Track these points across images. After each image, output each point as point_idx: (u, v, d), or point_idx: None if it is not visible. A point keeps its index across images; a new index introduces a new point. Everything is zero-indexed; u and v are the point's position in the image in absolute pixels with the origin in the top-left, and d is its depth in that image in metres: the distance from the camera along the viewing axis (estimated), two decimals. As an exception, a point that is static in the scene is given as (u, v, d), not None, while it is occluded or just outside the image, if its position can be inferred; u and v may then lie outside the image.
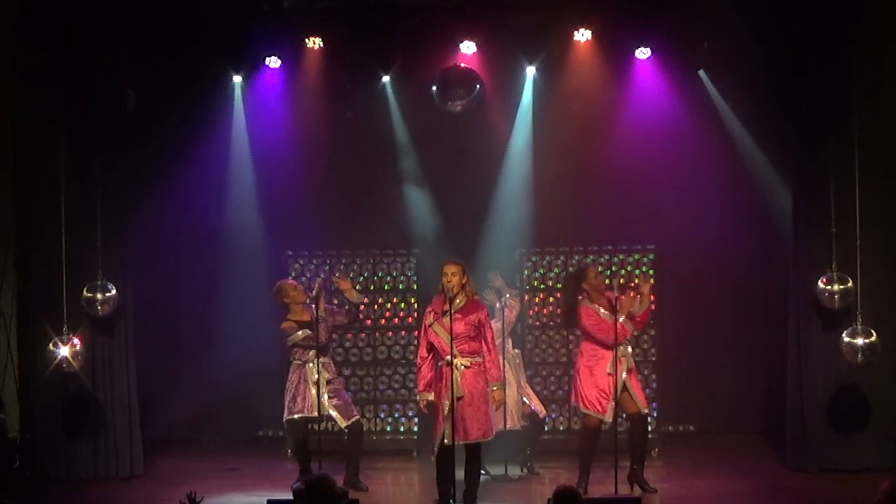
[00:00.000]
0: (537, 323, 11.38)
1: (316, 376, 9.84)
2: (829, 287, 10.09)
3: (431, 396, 9.15)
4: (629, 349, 9.70)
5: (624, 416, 10.05)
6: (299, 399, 9.97)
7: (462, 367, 9.02)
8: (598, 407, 9.68)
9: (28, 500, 9.88)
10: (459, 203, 11.86)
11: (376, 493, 10.04)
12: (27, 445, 10.45)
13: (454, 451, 9.03)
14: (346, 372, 11.39)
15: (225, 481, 10.59)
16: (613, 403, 9.63)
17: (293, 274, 11.54)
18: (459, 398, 8.96)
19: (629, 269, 11.40)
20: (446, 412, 8.98)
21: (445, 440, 8.99)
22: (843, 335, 10.01)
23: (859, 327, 9.97)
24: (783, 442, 10.62)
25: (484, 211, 11.85)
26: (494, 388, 9.22)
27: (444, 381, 9.06)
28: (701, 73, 11.37)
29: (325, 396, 9.89)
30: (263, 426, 12.17)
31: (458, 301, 9.02)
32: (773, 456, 10.98)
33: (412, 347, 11.56)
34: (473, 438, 9.02)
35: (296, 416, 9.98)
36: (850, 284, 10.05)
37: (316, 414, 9.85)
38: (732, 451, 11.28)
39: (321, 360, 9.86)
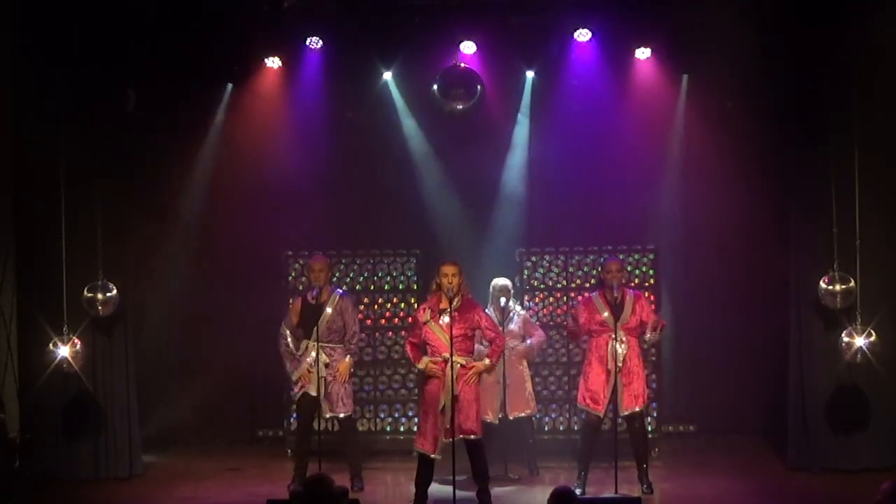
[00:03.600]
0: (537, 323, 11.35)
1: (312, 358, 9.84)
2: (830, 287, 10.10)
3: (427, 360, 9.23)
4: (624, 347, 9.69)
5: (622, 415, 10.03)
6: (299, 376, 10.03)
7: (458, 366, 9.04)
8: (592, 403, 9.74)
9: (28, 500, 9.89)
10: (459, 203, 11.86)
11: (376, 493, 10.04)
12: (27, 445, 10.45)
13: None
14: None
15: (225, 481, 10.59)
16: (607, 401, 9.68)
17: (293, 274, 11.55)
18: (455, 396, 8.99)
19: (629, 269, 11.40)
20: (441, 407, 9.03)
21: (444, 439, 9.05)
22: (843, 335, 10.03)
23: (858, 327, 9.98)
24: (783, 442, 10.62)
25: (484, 211, 11.86)
26: (486, 362, 9.34)
27: (438, 379, 9.09)
28: (700, 73, 11.36)
29: (323, 379, 9.86)
30: (263, 426, 12.19)
31: (455, 301, 9.06)
32: (773, 456, 10.98)
33: (426, 348, 11.54)
34: (463, 435, 9.05)
35: (301, 392, 10.02)
36: (851, 284, 10.06)
37: (314, 393, 9.85)
38: (732, 451, 11.28)
39: (321, 343, 9.84)
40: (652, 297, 11.31)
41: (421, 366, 9.34)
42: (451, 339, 8.99)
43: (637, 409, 9.78)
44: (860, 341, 9.93)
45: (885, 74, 10.25)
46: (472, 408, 9.13)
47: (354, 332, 10.10)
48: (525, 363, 10.57)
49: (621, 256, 11.28)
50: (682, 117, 11.64)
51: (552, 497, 6.32)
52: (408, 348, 9.53)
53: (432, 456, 9.17)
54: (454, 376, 9.04)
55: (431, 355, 9.21)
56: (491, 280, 10.53)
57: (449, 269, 9.18)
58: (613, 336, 9.67)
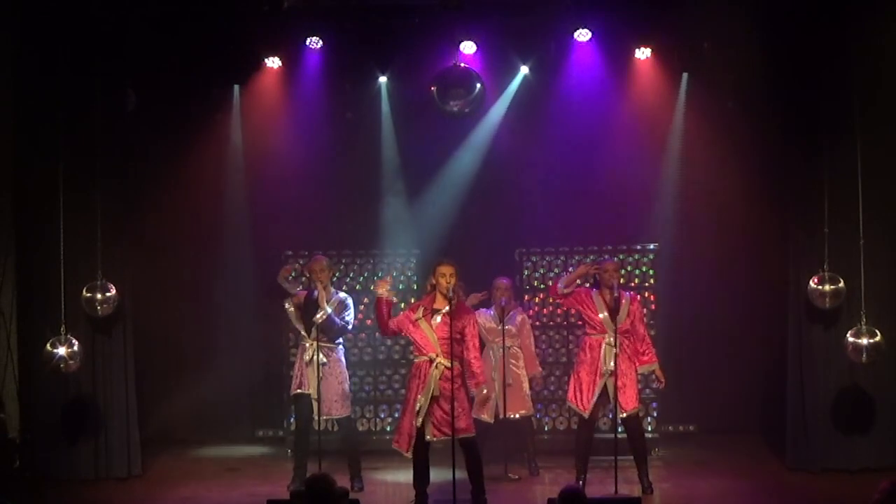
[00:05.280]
0: (537, 323, 11.37)
1: (308, 356, 9.85)
2: (820, 287, 10.11)
3: (384, 292, 9.27)
4: (615, 348, 9.68)
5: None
6: (296, 375, 10.06)
7: (442, 367, 9.04)
8: (578, 403, 9.79)
9: (28, 500, 9.88)
10: (459, 202, 11.86)
11: (376, 493, 10.04)
12: (27, 445, 10.46)
13: (428, 451, 9.20)
14: (347, 372, 11.37)
15: (225, 481, 10.59)
16: (594, 401, 9.69)
17: (293, 274, 11.53)
18: (436, 397, 9.01)
19: (629, 268, 11.41)
20: (418, 407, 9.06)
21: (427, 437, 9.08)
22: (848, 335, 10.01)
23: (864, 327, 9.97)
24: (783, 442, 10.62)
25: (483, 211, 11.86)
26: (484, 391, 9.28)
27: (421, 378, 9.12)
28: (700, 73, 11.36)
29: (319, 378, 9.84)
30: (263, 426, 12.18)
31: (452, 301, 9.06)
32: (773, 456, 10.98)
33: (412, 347, 11.53)
34: (447, 435, 9.02)
35: (298, 392, 10.02)
36: (841, 285, 10.07)
37: (310, 392, 9.86)
38: (732, 451, 11.28)
39: (319, 343, 9.85)
40: (652, 298, 11.32)
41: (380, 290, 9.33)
42: (451, 337, 8.98)
43: (633, 410, 9.76)
44: (866, 341, 9.93)
45: (885, 74, 10.25)
46: (461, 406, 9.10)
47: (346, 323, 10.07)
48: (521, 363, 10.56)
49: (621, 256, 11.30)
50: (682, 116, 11.63)
51: (560, 497, 6.29)
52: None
53: (405, 454, 9.19)
54: (436, 376, 9.04)
55: (418, 354, 9.22)
56: (491, 280, 10.53)
57: (447, 269, 9.17)
58: (607, 338, 9.67)
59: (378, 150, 11.93)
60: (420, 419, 9.07)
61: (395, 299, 9.49)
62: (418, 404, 9.07)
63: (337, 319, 9.93)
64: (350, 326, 10.09)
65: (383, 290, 9.34)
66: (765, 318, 11.76)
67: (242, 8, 10.97)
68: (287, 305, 10.17)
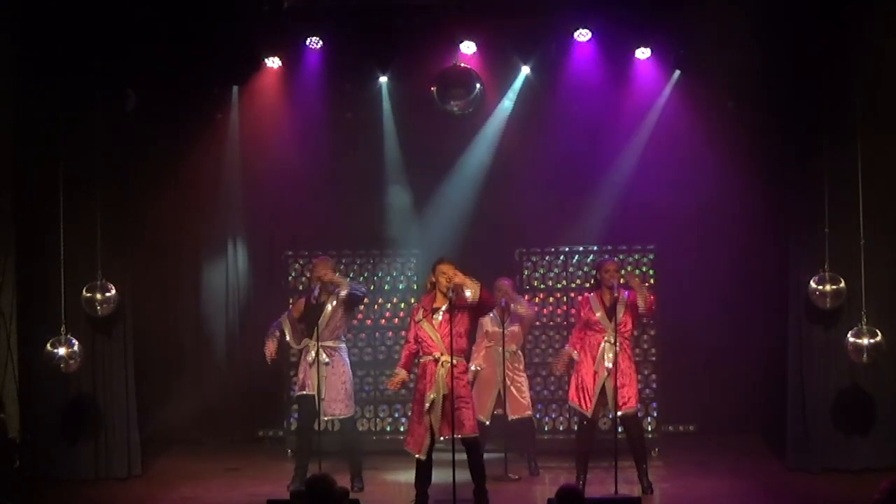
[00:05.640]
0: (537, 323, 11.36)
1: (312, 357, 9.86)
2: (820, 287, 10.11)
3: (404, 375, 9.36)
4: (616, 349, 9.66)
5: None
6: (300, 376, 10.06)
7: (448, 365, 9.04)
8: (580, 402, 9.78)
9: (28, 500, 9.88)
10: (459, 202, 11.86)
11: (376, 493, 10.04)
12: (27, 445, 10.46)
13: (432, 451, 9.19)
14: (350, 372, 11.36)
15: (225, 481, 10.59)
16: (595, 401, 9.69)
17: (293, 274, 11.55)
18: (446, 395, 9.00)
19: (629, 268, 11.41)
20: (427, 408, 9.04)
21: (437, 437, 9.07)
22: (849, 335, 10.00)
23: (864, 327, 9.96)
24: (783, 442, 10.62)
25: (484, 211, 11.86)
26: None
27: (428, 378, 9.11)
28: (700, 73, 11.36)
29: (323, 378, 9.84)
30: (263, 426, 12.18)
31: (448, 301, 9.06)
32: (773, 456, 10.98)
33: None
34: (458, 434, 9.01)
35: (301, 393, 10.01)
36: (842, 285, 10.06)
37: (313, 393, 9.85)
38: (732, 451, 11.28)
39: (321, 343, 9.84)
40: (652, 297, 11.30)
41: (394, 382, 9.40)
42: (452, 335, 8.97)
43: (630, 409, 9.74)
44: (866, 342, 9.92)
45: (885, 75, 10.24)
46: (467, 406, 9.12)
47: (363, 289, 10.19)
48: (522, 366, 10.56)
49: (621, 256, 11.29)
50: (672, 113, 11.61)
51: (558, 495, 6.29)
52: (403, 351, 9.51)
53: (417, 456, 9.18)
54: (443, 375, 9.03)
55: (423, 354, 9.22)
56: (491, 280, 10.52)
57: (448, 269, 9.17)
58: (606, 337, 9.67)
59: (378, 150, 11.93)
60: (435, 418, 9.04)
61: (401, 383, 9.52)
62: (428, 402, 9.07)
63: (355, 287, 9.98)
64: (364, 290, 10.25)
65: (398, 381, 9.43)
66: (765, 318, 11.77)
67: (242, 8, 10.97)
68: (286, 333, 10.13)
